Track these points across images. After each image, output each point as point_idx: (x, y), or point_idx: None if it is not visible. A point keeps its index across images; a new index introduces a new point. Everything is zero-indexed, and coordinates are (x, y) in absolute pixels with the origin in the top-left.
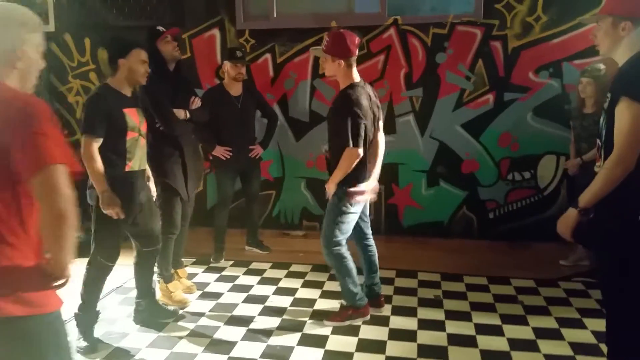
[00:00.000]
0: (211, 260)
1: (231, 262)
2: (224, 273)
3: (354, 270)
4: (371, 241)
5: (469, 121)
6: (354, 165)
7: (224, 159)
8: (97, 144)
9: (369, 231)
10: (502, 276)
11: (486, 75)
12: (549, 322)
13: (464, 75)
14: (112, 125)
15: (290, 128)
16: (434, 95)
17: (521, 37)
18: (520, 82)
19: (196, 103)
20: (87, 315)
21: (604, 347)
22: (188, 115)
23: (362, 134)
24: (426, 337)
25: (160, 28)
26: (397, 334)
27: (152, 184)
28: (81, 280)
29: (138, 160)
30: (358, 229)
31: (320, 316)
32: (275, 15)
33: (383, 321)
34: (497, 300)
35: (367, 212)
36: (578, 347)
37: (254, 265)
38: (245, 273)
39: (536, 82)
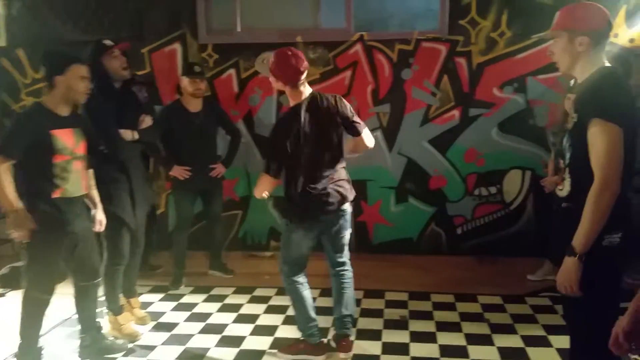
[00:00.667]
0: (169, 287)
1: (191, 289)
2: (182, 301)
3: (308, 301)
4: (345, 272)
5: (436, 137)
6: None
7: (183, 179)
8: (7, 164)
9: (342, 259)
10: (469, 293)
11: (451, 91)
12: (514, 341)
13: (430, 91)
14: (36, 148)
15: (256, 145)
16: (401, 111)
17: (486, 52)
18: (485, 97)
19: (146, 122)
20: (29, 354)
21: None
22: (136, 136)
23: (275, 162)
24: None
25: (107, 42)
26: None
27: (98, 213)
28: (18, 317)
29: (72, 185)
30: (328, 257)
31: (280, 345)
32: (239, 30)
33: None
34: (463, 318)
35: (343, 239)
36: None
37: (216, 291)
38: (206, 300)
39: (501, 97)
